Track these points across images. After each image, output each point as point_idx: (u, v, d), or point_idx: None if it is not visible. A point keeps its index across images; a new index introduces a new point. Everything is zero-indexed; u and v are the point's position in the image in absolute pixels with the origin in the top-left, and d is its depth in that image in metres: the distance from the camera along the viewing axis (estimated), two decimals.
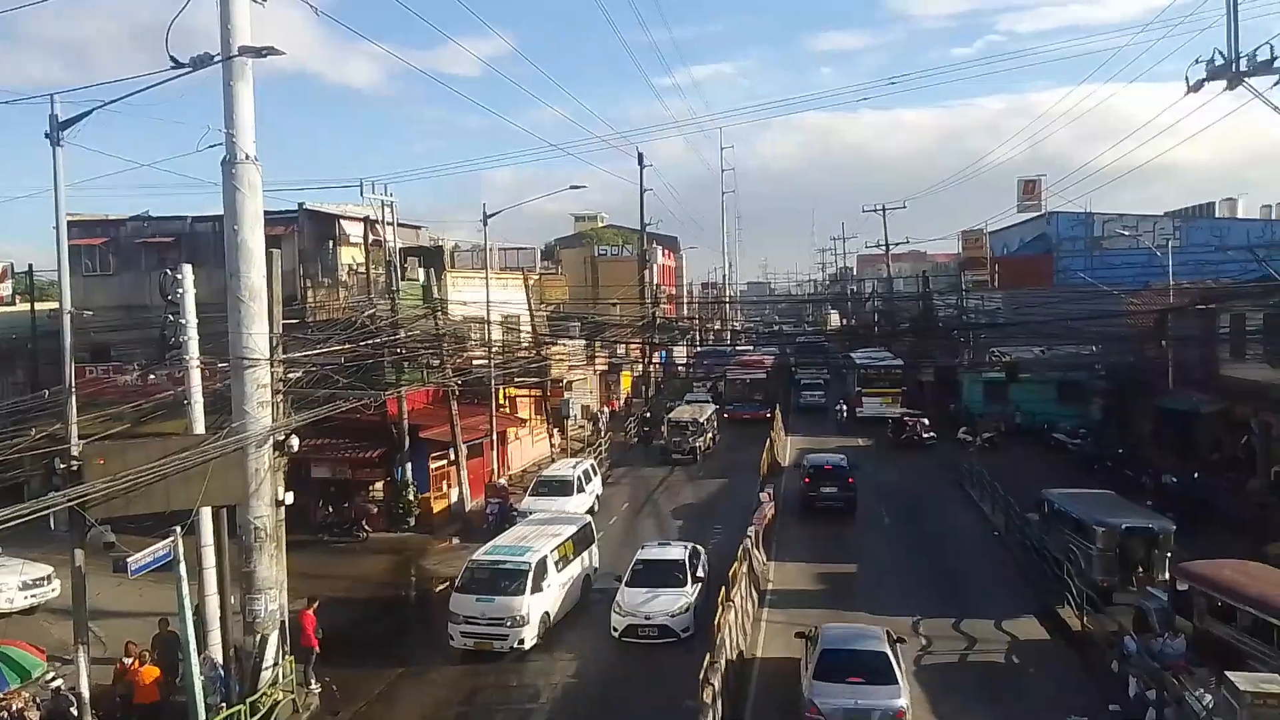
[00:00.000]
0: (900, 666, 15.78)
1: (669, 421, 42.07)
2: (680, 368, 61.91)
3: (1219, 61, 22.10)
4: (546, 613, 20.39)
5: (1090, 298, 39.17)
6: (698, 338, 72.29)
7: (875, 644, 16.12)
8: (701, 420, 42.14)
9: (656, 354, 57.91)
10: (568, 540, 22.46)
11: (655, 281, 61.17)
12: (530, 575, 19.98)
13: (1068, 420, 42.52)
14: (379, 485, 31.00)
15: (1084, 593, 20.29)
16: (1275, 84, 22.24)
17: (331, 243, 32.91)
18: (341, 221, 33.15)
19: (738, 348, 63.80)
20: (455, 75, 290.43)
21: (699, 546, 23.30)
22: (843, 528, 29.35)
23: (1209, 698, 13.89)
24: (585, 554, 23.37)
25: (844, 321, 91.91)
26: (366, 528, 29.56)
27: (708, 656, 15.21)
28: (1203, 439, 35.69)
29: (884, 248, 67.67)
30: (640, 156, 54.93)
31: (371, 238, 33.05)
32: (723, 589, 18.50)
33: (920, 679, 17.65)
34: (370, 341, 24.73)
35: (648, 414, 47.68)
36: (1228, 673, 13.52)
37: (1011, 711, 16.58)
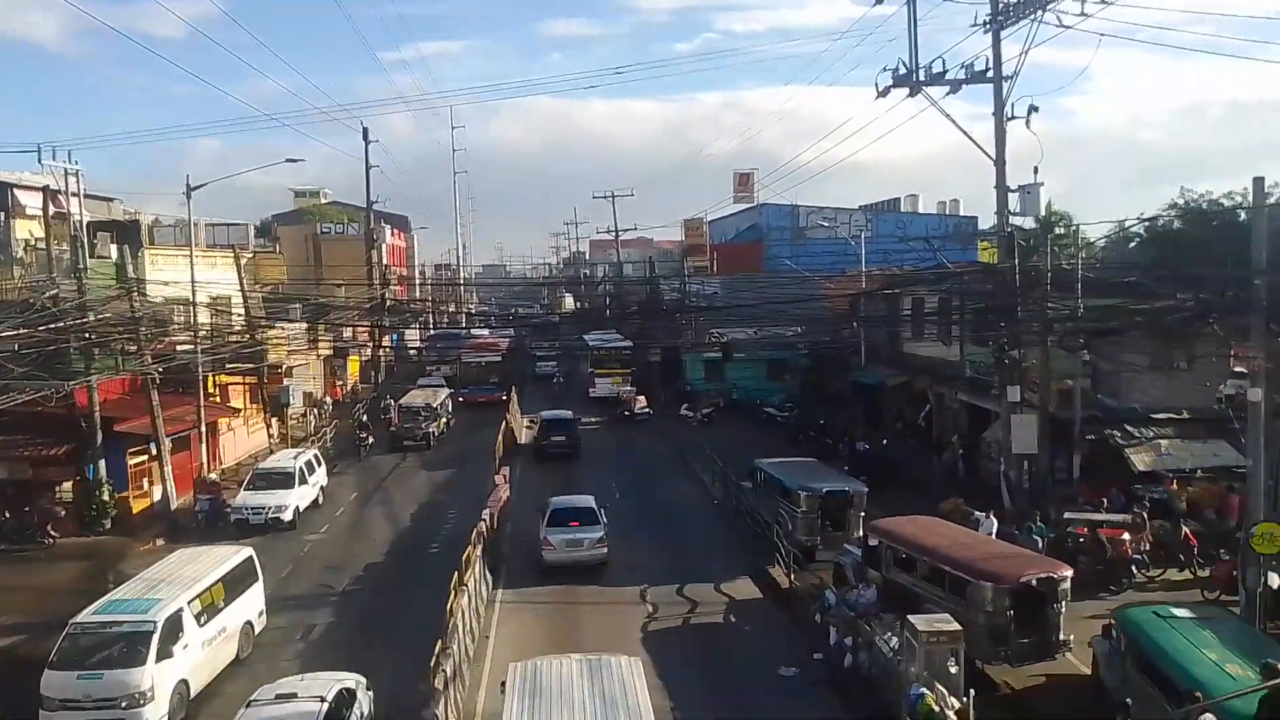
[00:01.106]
0: (603, 516, 24.00)
1: (400, 407, 40.90)
2: (412, 351, 60.32)
3: (902, 71, 24.75)
4: (184, 682, 16.09)
5: (795, 283, 42.71)
6: (431, 320, 70.74)
7: (586, 502, 24.82)
8: (435, 405, 41.36)
9: (387, 337, 56.04)
10: (216, 584, 18.07)
11: (384, 262, 59.03)
12: (156, 636, 15.56)
13: (777, 395, 46.11)
14: (68, 485, 27.75)
15: (791, 552, 22.15)
16: (947, 93, 25.29)
17: (3, 215, 28.87)
18: (15, 191, 29.14)
19: (473, 330, 63.13)
20: (158, 37, 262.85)
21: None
22: None
23: (895, 640, 15.61)
24: (244, 597, 19.00)
25: (578, 304, 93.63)
26: (53, 533, 26.36)
27: (439, 643, 15.02)
28: (889, 409, 40.01)
29: (614, 234, 69.67)
30: (365, 132, 52.92)
31: (53, 210, 29.33)
32: (455, 574, 18.33)
33: (647, 645, 18.48)
34: (53, 325, 22.01)
35: (363, 413, 43.02)
36: (909, 616, 15.19)
37: (729, 667, 17.76)
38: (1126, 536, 21.71)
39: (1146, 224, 42.68)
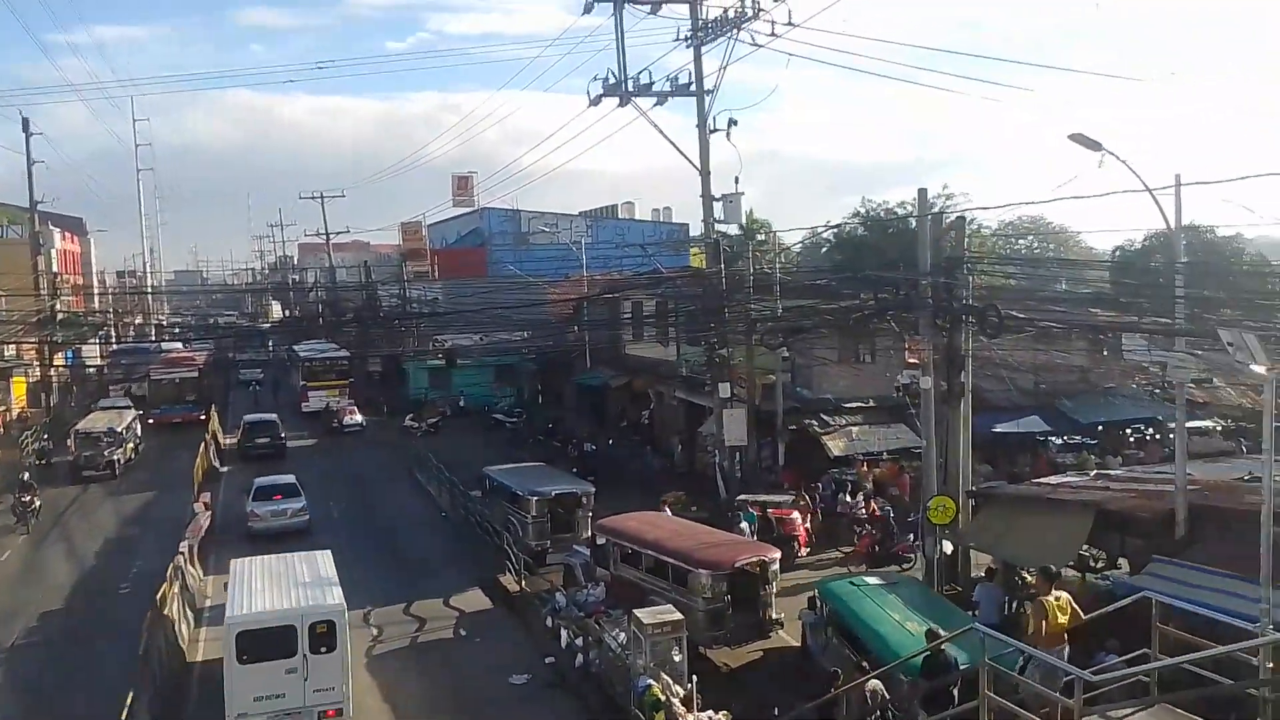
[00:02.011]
0: (302, 491, 27.33)
1: (77, 434, 36.29)
2: (91, 370, 53.86)
3: (612, 81, 25.46)
4: None
5: (519, 288, 42.78)
6: (114, 334, 63.52)
7: (288, 479, 28.16)
8: (120, 429, 37.05)
9: (60, 355, 49.63)
10: None
11: (55, 269, 52.29)
12: None
13: (505, 400, 45.94)
14: None
15: (521, 558, 22.06)
16: (655, 104, 26.34)
17: None
18: None
19: (164, 343, 57.45)
20: None
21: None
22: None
23: (622, 635, 15.95)
24: None
25: (286, 312, 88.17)
26: None
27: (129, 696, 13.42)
28: (614, 409, 41.11)
29: (325, 236, 66.27)
30: (25, 123, 46.66)
31: None
32: (148, 614, 16.49)
33: (373, 671, 17.65)
34: None
35: (26, 470, 32.06)
36: (635, 610, 15.60)
37: (461, 682, 17.33)
38: (795, 516, 23.58)
39: (834, 231, 47.11)
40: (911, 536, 22.58)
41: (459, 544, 26.30)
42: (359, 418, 44.07)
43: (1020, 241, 52.83)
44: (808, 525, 23.95)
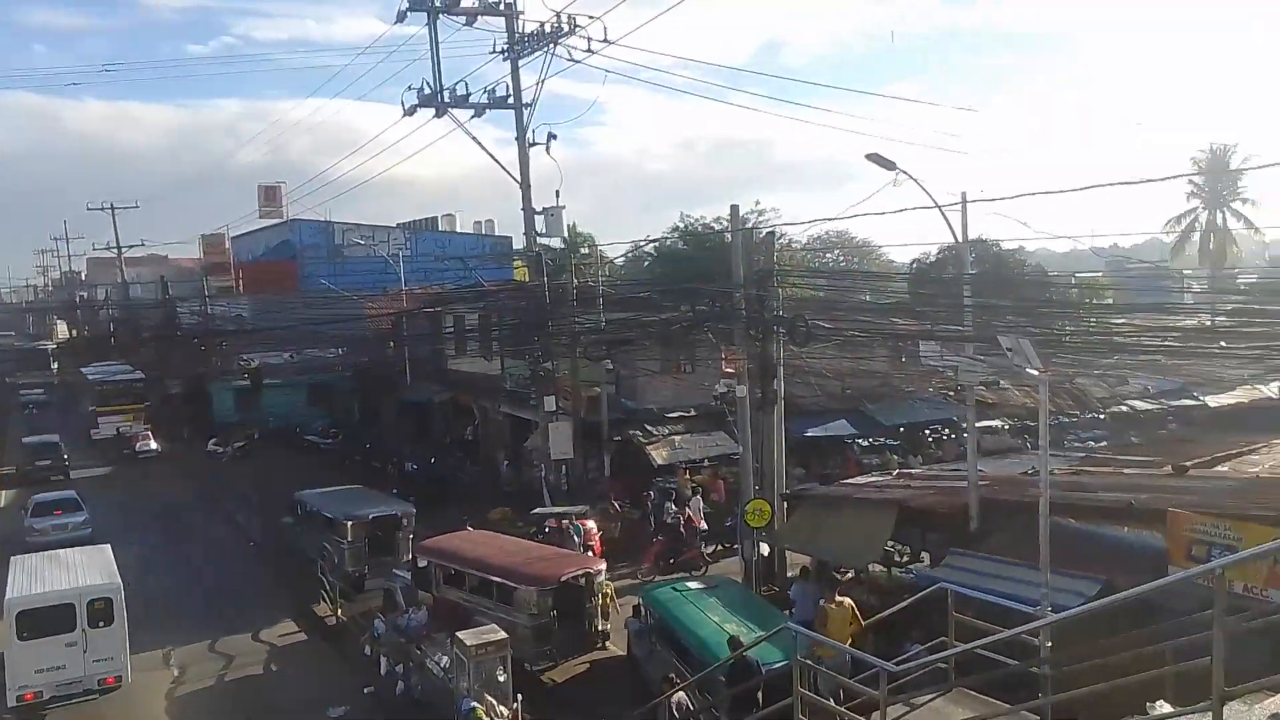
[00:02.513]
0: (84, 506, 27.05)
1: None
2: None
3: (427, 91, 24.96)
4: None
5: (333, 302, 41.08)
6: None
7: (68, 494, 28.05)
8: None
9: None
10: None
11: None
12: None
13: (320, 421, 43.90)
14: None
15: (337, 585, 21.09)
16: (473, 116, 26.00)
17: None
18: None
19: None
20: None
21: None
22: None
23: (445, 659, 15.52)
24: None
25: (74, 332, 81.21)
26: None
27: None
28: (437, 427, 40.15)
29: (117, 250, 61.49)
30: None
31: None
32: None
33: (175, 714, 16.41)
34: None
35: None
36: (459, 632, 15.20)
37: (274, 719, 16.40)
38: (591, 525, 23.69)
39: (655, 245, 48.02)
40: (704, 543, 23.33)
41: (270, 574, 24.87)
42: (154, 444, 41.15)
43: (828, 255, 55.64)
44: (602, 535, 23.94)
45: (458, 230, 72.17)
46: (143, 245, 65.41)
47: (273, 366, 42.31)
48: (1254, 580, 11.23)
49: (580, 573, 17.41)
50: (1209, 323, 23.96)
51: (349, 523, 22.59)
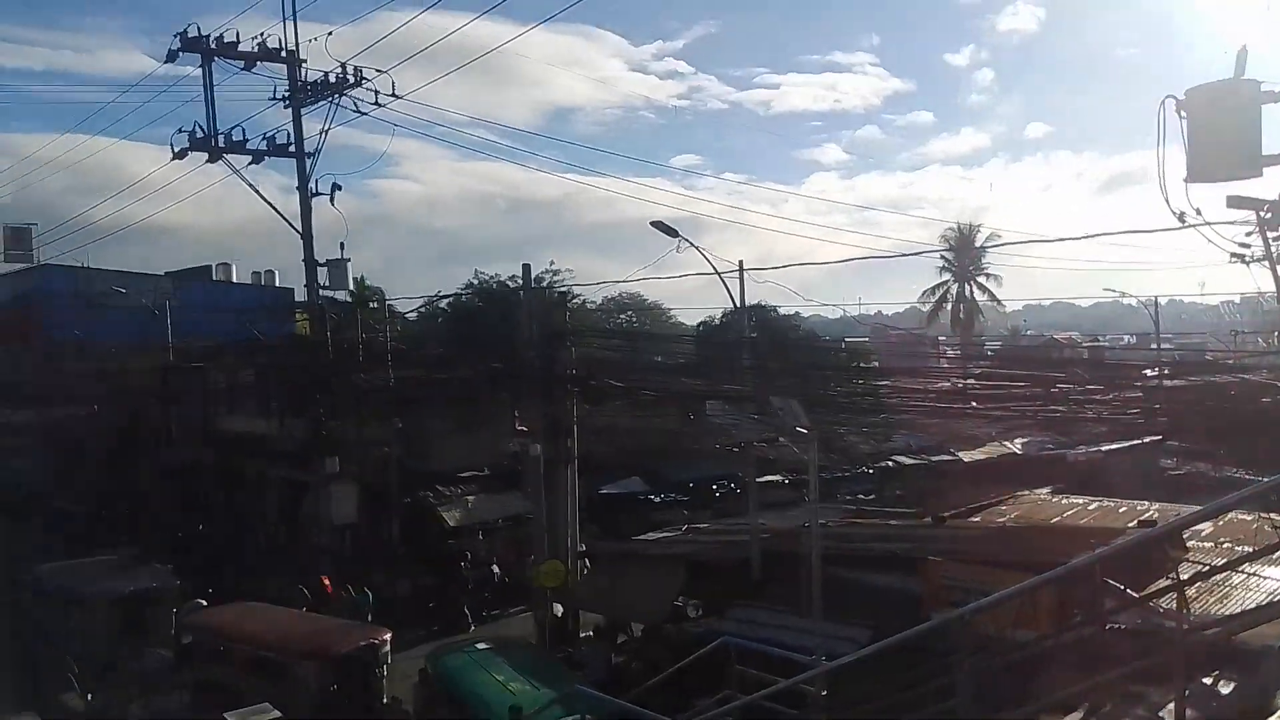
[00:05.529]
0: None
1: None
2: None
3: (200, 134, 23.71)
4: None
5: (87, 356, 37.59)
6: None
7: None
8: None
9: None
10: None
11: None
12: None
13: (72, 487, 39.64)
14: None
15: (87, 670, 18.97)
16: (250, 163, 24.90)
17: None
18: None
19: None
20: None
21: None
22: None
23: None
24: None
25: None
26: None
27: None
28: (206, 490, 37.27)
29: None
30: None
31: None
32: None
33: None
34: None
35: None
36: (227, 714, 14.05)
37: None
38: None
39: (449, 301, 47.37)
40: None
41: (4, 664, 22.04)
42: None
43: (620, 316, 56.99)
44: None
45: (234, 280, 68.16)
46: None
47: (8, 426, 37.96)
48: (1003, 623, 12.33)
49: (365, 643, 16.59)
50: (960, 385, 26.41)
51: (100, 599, 20.45)
